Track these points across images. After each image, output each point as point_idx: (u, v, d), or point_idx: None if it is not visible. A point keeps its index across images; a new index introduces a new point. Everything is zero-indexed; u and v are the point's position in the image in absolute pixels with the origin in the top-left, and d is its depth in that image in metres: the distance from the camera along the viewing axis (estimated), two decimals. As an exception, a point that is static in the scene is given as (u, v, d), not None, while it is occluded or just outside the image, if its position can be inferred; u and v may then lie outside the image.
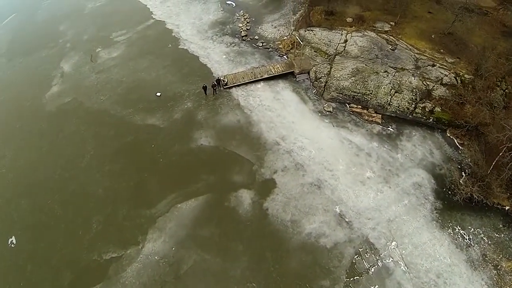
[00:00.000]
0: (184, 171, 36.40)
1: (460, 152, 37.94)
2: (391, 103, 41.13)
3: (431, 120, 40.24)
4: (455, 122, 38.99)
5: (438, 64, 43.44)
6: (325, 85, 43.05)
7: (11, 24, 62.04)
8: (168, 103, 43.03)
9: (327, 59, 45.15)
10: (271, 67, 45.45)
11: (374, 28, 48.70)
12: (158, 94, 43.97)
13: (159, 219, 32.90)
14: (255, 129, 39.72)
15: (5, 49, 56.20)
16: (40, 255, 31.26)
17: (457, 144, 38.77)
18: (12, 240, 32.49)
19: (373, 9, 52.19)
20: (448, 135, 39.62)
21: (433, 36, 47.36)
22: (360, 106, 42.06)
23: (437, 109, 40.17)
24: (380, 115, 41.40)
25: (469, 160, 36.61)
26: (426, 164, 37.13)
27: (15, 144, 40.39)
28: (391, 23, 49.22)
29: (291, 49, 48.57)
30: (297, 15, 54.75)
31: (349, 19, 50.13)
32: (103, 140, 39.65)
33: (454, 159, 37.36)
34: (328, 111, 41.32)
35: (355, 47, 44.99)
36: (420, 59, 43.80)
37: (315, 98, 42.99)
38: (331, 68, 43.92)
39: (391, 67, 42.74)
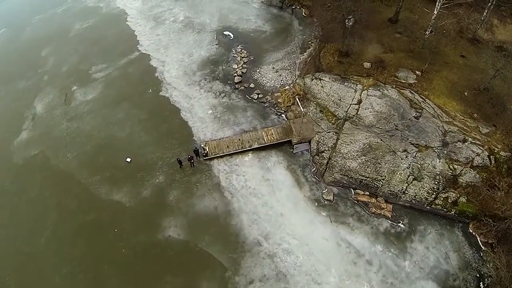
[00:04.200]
0: (147, 268, 32.35)
1: (482, 254, 32.20)
2: (406, 192, 34.78)
3: (452, 212, 33.96)
4: (482, 216, 32.70)
5: (470, 139, 36.29)
6: (327, 163, 36.60)
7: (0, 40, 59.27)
8: (138, 174, 38.21)
9: (334, 126, 38.39)
10: (263, 133, 39.09)
11: (396, 79, 41.19)
12: (128, 160, 39.13)
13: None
14: (234, 221, 34.27)
15: None
16: None
17: (480, 243, 32.99)
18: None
19: (397, 50, 44.34)
20: (471, 231, 33.65)
21: (466, 93, 40.06)
22: (368, 193, 35.71)
23: (462, 199, 33.87)
24: (391, 206, 34.94)
25: (491, 265, 30.37)
26: (438, 273, 31.41)
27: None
28: (417, 72, 41.45)
29: (292, 104, 41.63)
30: (305, 54, 47.72)
31: (366, 64, 42.56)
32: (65, 213, 36.38)
33: (473, 265, 31.76)
34: (327, 200, 35.14)
35: (370, 111, 37.86)
36: (449, 131, 36.75)
37: (314, 180, 36.75)
38: (337, 139, 37.16)
39: (413, 144, 35.91)
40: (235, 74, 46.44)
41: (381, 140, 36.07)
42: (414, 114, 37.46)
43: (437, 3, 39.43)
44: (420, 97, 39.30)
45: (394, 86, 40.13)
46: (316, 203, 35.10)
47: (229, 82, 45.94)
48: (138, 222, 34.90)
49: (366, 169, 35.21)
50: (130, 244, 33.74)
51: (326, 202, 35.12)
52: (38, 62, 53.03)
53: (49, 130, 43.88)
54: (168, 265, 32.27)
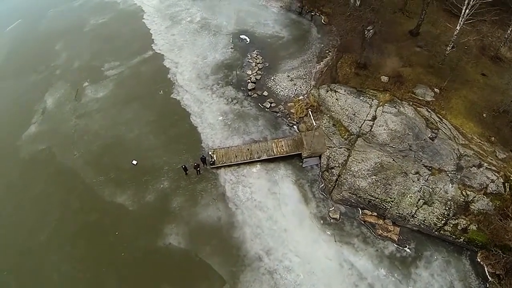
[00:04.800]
0: (145, 274, 32.39)
1: (488, 285, 31.35)
2: (415, 216, 34.23)
3: (461, 240, 33.35)
4: (492, 246, 32.02)
5: (485, 164, 35.43)
6: (337, 180, 36.24)
7: (14, 32, 60.43)
8: (143, 178, 38.29)
9: (347, 141, 38.00)
10: (273, 145, 38.86)
11: (414, 96, 40.53)
12: (134, 162, 39.24)
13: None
14: (237, 233, 34.12)
15: (1, 62, 55.13)
16: None
17: (487, 273, 32.04)
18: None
19: (415, 64, 43.60)
20: (479, 260, 32.84)
21: (484, 115, 39.25)
22: (376, 214, 35.27)
23: (472, 227, 33.10)
24: (399, 229, 34.58)
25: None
26: (441, 302, 30.58)
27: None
28: (435, 89, 40.74)
29: (305, 115, 41.33)
30: (321, 63, 47.38)
31: (384, 78, 41.96)
32: (68, 212, 36.76)
33: (477, 297, 30.63)
34: (333, 218, 34.88)
35: (384, 129, 37.34)
36: (465, 155, 35.89)
37: (321, 196, 36.45)
38: (348, 156, 36.78)
39: (426, 166, 35.25)
40: (249, 80, 46.29)
41: (394, 160, 35.61)
42: (429, 135, 36.84)
43: (460, 19, 38.63)
44: (437, 116, 38.59)
45: (411, 103, 39.43)
46: (322, 221, 34.78)
47: (242, 88, 45.83)
48: (140, 226, 35.02)
49: (375, 190, 34.81)
50: (130, 248, 33.89)
51: (332, 221, 34.78)
52: (51, 55, 53.74)
53: (58, 126, 44.42)
54: (166, 273, 32.29)
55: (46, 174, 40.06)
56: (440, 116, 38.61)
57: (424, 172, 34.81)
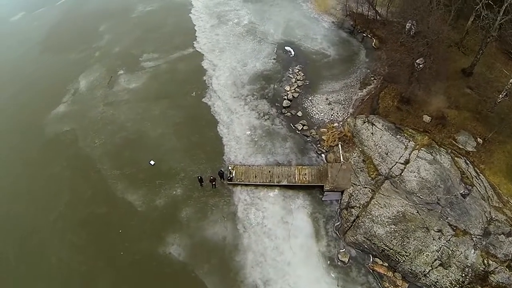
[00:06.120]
0: (139, 278, 33.22)
1: None
2: (428, 275, 33.25)
3: None
4: None
5: (516, 234, 33.74)
6: (354, 221, 35.67)
7: (65, 6, 64.35)
8: (157, 180, 39.10)
9: (373, 181, 37.39)
10: (296, 171, 38.66)
11: (454, 143, 39.22)
12: (152, 162, 40.24)
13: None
14: (239, 257, 34.23)
15: (44, 37, 58.45)
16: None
17: None
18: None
19: (463, 107, 41.93)
20: None
21: (527, 176, 37.22)
22: (387, 265, 34.54)
23: None
24: (407, 285, 33.71)
25: None
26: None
27: (-2, 167, 40.70)
28: (478, 139, 39.19)
29: (335, 145, 40.75)
30: (364, 90, 46.55)
31: (426, 118, 40.75)
32: (78, 200, 38.35)
33: None
34: (342, 261, 34.40)
35: (415, 176, 36.44)
36: (496, 219, 34.54)
37: (334, 235, 35.93)
38: (372, 198, 36.14)
39: (451, 225, 34.20)
40: (285, 97, 45.89)
41: (418, 212, 34.70)
42: (462, 191, 35.60)
43: (518, 66, 37.08)
44: (474, 170, 37.23)
45: (449, 150, 38.23)
46: (329, 261, 34.25)
47: (276, 104, 45.41)
48: (144, 229, 35.84)
49: (392, 240, 34.05)
50: (130, 249, 34.78)
51: (339, 263, 34.24)
52: (94, 36, 56.06)
53: (85, 110, 46.23)
54: (160, 282, 32.84)
55: (65, 157, 41.86)
56: (478, 171, 37.22)
57: (448, 232, 33.73)
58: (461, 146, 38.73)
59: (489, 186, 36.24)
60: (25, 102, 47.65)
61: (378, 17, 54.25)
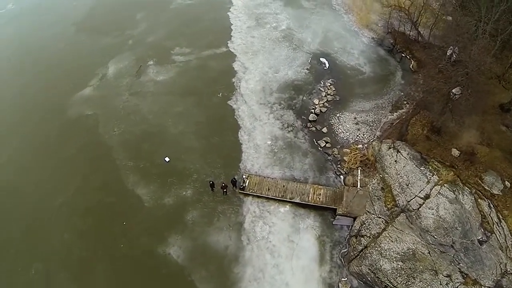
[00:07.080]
0: (134, 276, 33.60)
1: None
2: (429, 321, 32.14)
3: None
4: None
5: (532, 291, 32.67)
6: (361, 251, 35.03)
7: None
8: (169, 178, 39.46)
9: (388, 212, 36.75)
10: (311, 190, 38.30)
11: (480, 183, 37.99)
12: (167, 159, 40.73)
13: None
14: (238, 269, 34.08)
15: (81, 18, 60.16)
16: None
17: None
18: None
19: (495, 145, 40.68)
20: None
21: (549, 230, 35.80)
22: (388, 302, 33.54)
23: None
24: (404, 326, 32.70)
25: None
26: None
27: (17, 143, 42.93)
28: (506, 182, 37.89)
29: (356, 168, 40.17)
30: (395, 114, 45.71)
31: (455, 152, 39.66)
32: (87, 187, 39.25)
33: None
34: (341, 290, 33.67)
35: (433, 214, 35.63)
36: (510, 273, 33.37)
37: (339, 262, 35.29)
38: (384, 230, 35.48)
39: (461, 272, 33.19)
40: (313, 110, 45.36)
41: (429, 252, 33.82)
42: (480, 237, 34.54)
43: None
44: (497, 216, 36.03)
45: (473, 190, 37.15)
46: (328, 288, 33.85)
47: (303, 117, 44.87)
48: (147, 226, 36.21)
49: (397, 277, 33.24)
50: (131, 243, 35.24)
51: (338, 293, 33.80)
52: (129, 23, 57.28)
53: (110, 96, 47.26)
54: (154, 281, 33.08)
55: (82, 141, 42.87)
56: (501, 217, 35.99)
57: (457, 278, 32.73)
58: (487, 188, 37.51)
59: (509, 235, 34.97)
60: (52, 80, 49.07)
61: (420, 38, 53.12)
